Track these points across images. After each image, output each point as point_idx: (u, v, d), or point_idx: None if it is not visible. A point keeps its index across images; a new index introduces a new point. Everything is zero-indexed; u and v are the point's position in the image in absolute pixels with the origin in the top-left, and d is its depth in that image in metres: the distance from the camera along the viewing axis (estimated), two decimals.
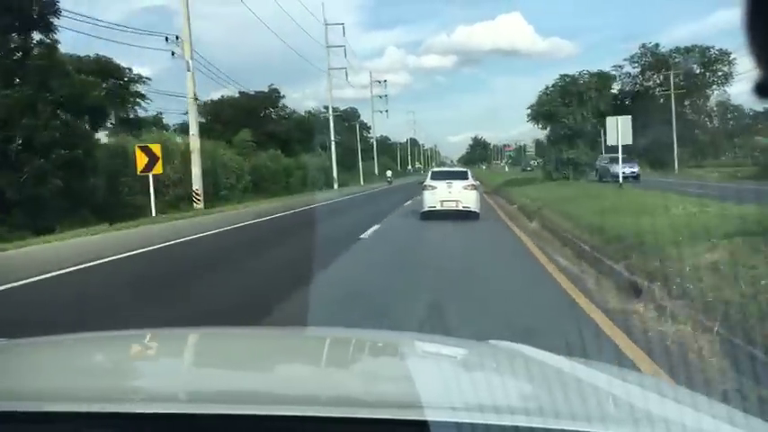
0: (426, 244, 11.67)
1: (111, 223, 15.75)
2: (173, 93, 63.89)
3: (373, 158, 71.35)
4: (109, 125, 47.69)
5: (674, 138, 47.96)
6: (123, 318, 5.54)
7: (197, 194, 21.99)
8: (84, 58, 45.16)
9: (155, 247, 11.85)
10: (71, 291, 7.73)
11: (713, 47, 58.10)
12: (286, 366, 1.63)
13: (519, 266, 8.55)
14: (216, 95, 53.33)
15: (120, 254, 10.64)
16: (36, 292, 7.62)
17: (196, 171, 21.87)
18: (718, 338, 4.08)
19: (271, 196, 34.41)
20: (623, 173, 23.60)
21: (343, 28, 49.82)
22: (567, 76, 29.45)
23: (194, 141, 22.09)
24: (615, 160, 24.04)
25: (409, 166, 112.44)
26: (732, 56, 54.93)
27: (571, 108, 28.72)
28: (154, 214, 18.07)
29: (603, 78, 32.71)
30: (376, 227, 14.23)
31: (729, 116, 60.38)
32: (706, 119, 62.32)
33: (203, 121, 55.17)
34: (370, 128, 77.09)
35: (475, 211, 15.46)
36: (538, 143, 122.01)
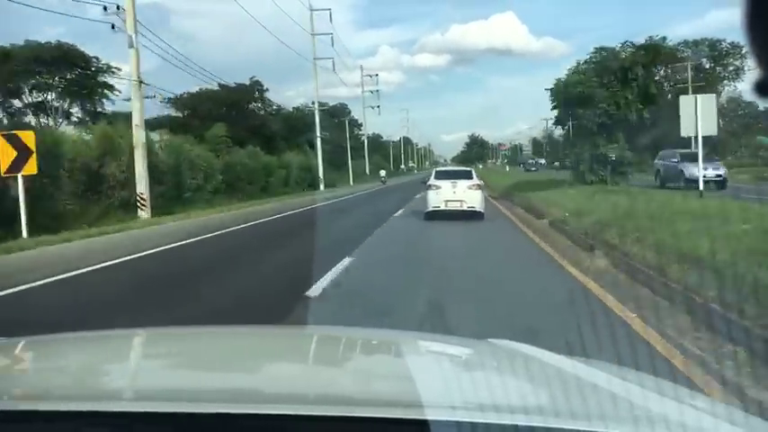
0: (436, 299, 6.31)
1: None
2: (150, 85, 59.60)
3: (364, 157, 66.91)
4: (75, 119, 43.96)
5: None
6: None
7: (142, 199, 17.61)
8: (46, 44, 41.02)
9: None
10: None
11: (724, 40, 54.09)
12: (285, 365, 1.61)
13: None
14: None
15: None
16: None
17: (140, 170, 17.46)
18: None
19: (246, 198, 30.22)
20: (705, 176, 17.07)
21: (330, 14, 45.36)
22: (603, 48, 23.24)
23: (138, 134, 17.65)
24: (687, 158, 18.98)
25: (402, 166, 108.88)
26: (744, 50, 51.08)
27: (612, 90, 22.04)
28: (25, 235, 12.74)
29: (652, 50, 25.74)
30: (348, 261, 8.99)
31: (741, 113, 56.42)
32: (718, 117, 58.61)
33: (179, 115, 51.23)
34: (361, 125, 72.64)
35: (480, 212, 15.03)
36: (535, 142, 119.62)
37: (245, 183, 32.79)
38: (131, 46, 17.44)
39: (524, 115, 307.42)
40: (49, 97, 42.71)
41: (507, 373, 1.49)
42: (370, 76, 65.77)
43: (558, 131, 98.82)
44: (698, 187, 16.17)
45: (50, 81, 41.99)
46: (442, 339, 2.01)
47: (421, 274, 8.19)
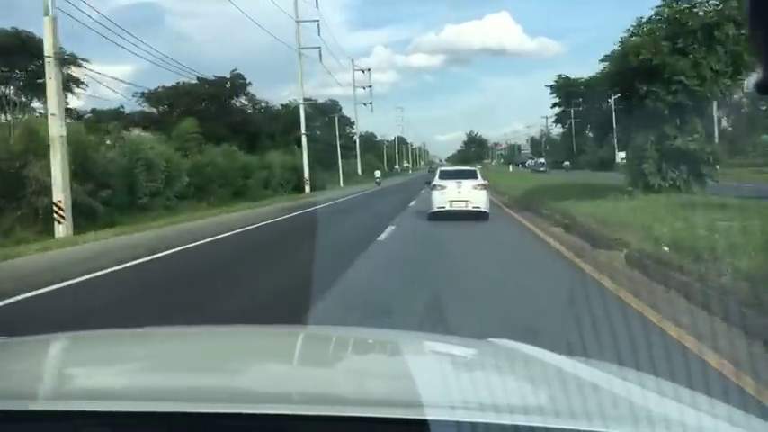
0: None
1: None
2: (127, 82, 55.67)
3: (356, 156, 62.97)
4: (37, 115, 40.06)
5: (716, 131, 39.49)
6: None
7: (59, 209, 13.72)
8: (1, 31, 37.18)
9: None
10: None
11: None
12: (284, 365, 1.59)
13: None
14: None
15: None
16: None
17: (56, 172, 13.60)
18: None
19: (217, 204, 26.39)
20: None
21: (316, 1, 41.41)
22: (673, 0, 15.66)
23: (55, 126, 13.73)
24: None
25: (397, 166, 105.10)
26: None
27: (693, 57, 15.07)
28: None
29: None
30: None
31: (764, 108, 52.79)
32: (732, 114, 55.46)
33: (153, 111, 47.35)
34: (353, 123, 68.54)
35: (485, 212, 14.84)
36: (533, 141, 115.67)
37: (218, 186, 28.94)
38: (47, 14, 13.60)
39: (520, 115, 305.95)
40: (7, 91, 38.87)
41: (507, 372, 1.49)
42: (363, 72, 61.87)
43: (557, 130, 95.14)
44: None
45: (8, 74, 38.20)
46: (442, 339, 2.05)
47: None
